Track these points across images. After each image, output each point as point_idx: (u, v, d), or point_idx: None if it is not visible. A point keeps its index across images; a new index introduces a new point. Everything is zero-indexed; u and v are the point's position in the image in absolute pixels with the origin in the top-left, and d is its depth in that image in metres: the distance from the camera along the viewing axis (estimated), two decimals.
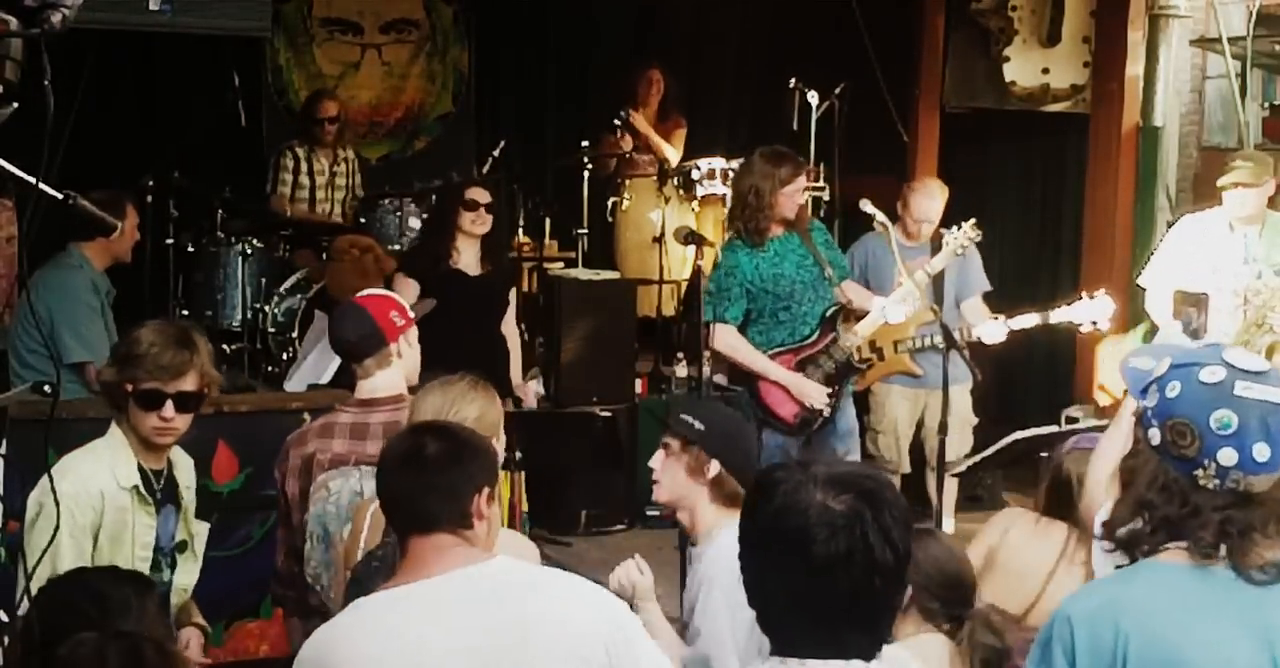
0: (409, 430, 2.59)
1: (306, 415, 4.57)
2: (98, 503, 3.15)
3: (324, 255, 6.88)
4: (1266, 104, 6.95)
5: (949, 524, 5.89)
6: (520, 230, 7.86)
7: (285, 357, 6.65)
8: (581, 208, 7.57)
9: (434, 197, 7.02)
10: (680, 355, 6.98)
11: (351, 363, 3.70)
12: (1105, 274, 6.66)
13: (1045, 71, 7.30)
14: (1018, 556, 3.60)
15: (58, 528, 2.70)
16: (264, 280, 6.91)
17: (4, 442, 2.81)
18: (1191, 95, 7.42)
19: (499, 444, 3.04)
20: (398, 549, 2.70)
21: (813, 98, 7.36)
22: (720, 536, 3.15)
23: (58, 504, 2.78)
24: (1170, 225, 6.45)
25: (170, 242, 6.96)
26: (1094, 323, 5.55)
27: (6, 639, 2.34)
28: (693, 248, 6.89)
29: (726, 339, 5.49)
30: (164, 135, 7.79)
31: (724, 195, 7.11)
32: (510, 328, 6.01)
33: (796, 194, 5.43)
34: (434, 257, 5.72)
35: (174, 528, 3.41)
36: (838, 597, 1.81)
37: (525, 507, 4.89)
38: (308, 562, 3.42)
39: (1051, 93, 7.36)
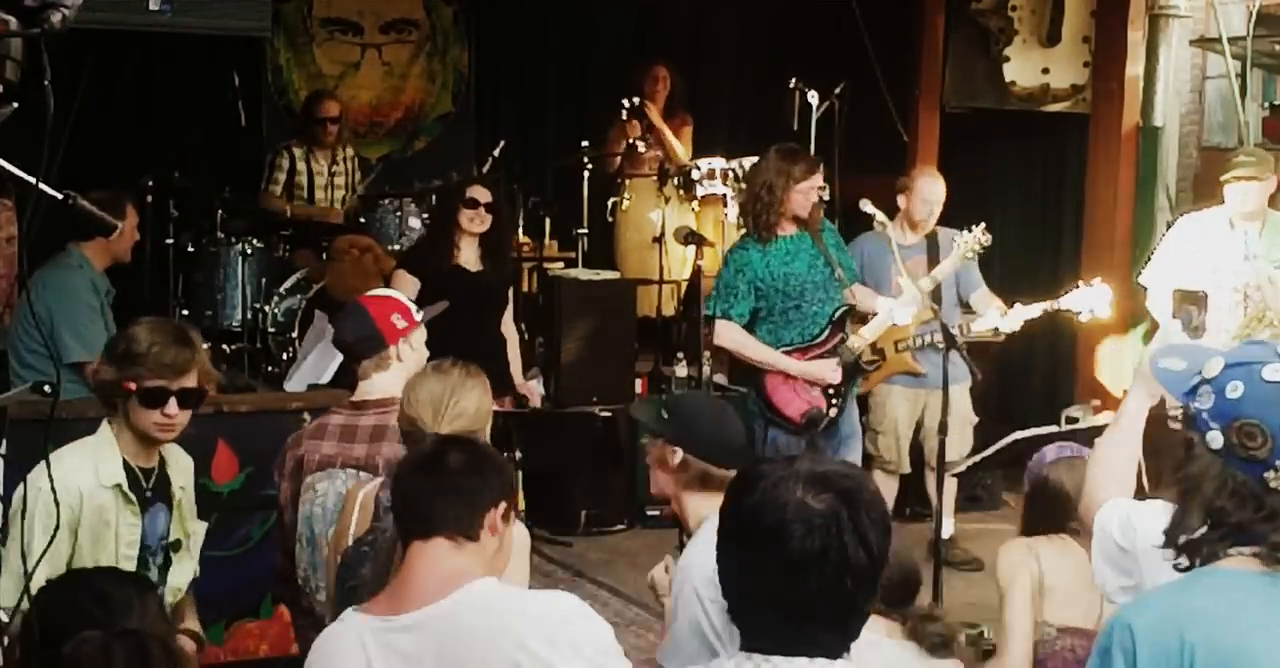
0: (433, 441, 2.59)
1: (306, 416, 4.57)
2: (75, 501, 3.13)
3: (324, 255, 6.89)
4: (1266, 104, 6.95)
5: (949, 524, 5.90)
6: (520, 230, 7.86)
7: (285, 357, 6.65)
8: (581, 208, 7.58)
9: (434, 196, 7.02)
10: (680, 355, 6.99)
11: (351, 363, 3.70)
12: (1105, 273, 6.63)
13: (1045, 71, 7.30)
14: (1062, 576, 3.61)
15: (58, 526, 2.69)
16: (264, 280, 6.92)
17: (4, 442, 2.81)
18: (1191, 95, 7.42)
19: (486, 435, 3.05)
20: (386, 535, 2.71)
21: (813, 98, 7.36)
22: (705, 527, 3.14)
23: (55, 501, 2.75)
24: (1170, 225, 6.45)
25: (170, 242, 6.98)
26: (1092, 310, 5.56)
27: (6, 640, 2.34)
28: (693, 248, 6.91)
29: (731, 335, 5.49)
30: (164, 135, 7.79)
31: (724, 195, 7.12)
32: (509, 327, 6.01)
33: (810, 192, 5.43)
34: (435, 253, 5.73)
35: (165, 527, 3.39)
36: (808, 595, 1.80)
37: (523, 506, 4.89)
38: (298, 564, 3.42)
39: (1051, 93, 7.36)
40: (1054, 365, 7.61)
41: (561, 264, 7.89)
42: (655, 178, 7.44)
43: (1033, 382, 7.84)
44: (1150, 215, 7.02)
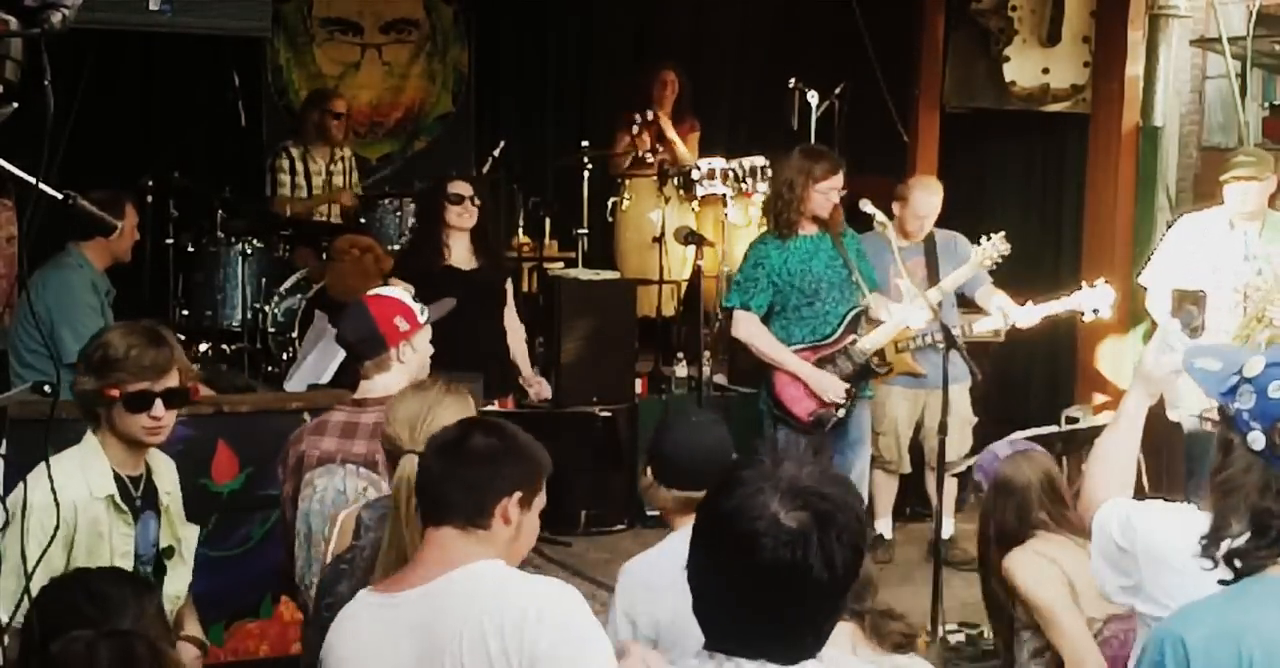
0: (462, 422, 2.56)
1: (306, 415, 4.57)
2: (70, 515, 3.06)
3: (324, 255, 6.89)
4: (1266, 104, 6.95)
5: (949, 524, 5.90)
6: (520, 230, 7.86)
7: (285, 357, 6.65)
8: (581, 208, 7.58)
9: (415, 200, 6.96)
10: (680, 355, 6.99)
11: (353, 362, 3.70)
12: (1105, 274, 6.63)
13: (1045, 71, 7.30)
14: (1082, 573, 3.61)
15: (58, 527, 2.67)
16: (264, 280, 6.92)
17: (4, 442, 2.80)
18: (1191, 95, 7.42)
19: None
20: (365, 554, 2.73)
21: (813, 98, 7.35)
22: (666, 542, 3.14)
23: (55, 501, 2.71)
24: (1170, 225, 6.45)
25: (170, 242, 6.98)
26: (1095, 311, 5.56)
27: (6, 639, 2.34)
28: (693, 248, 6.91)
29: (748, 327, 5.50)
30: (164, 135, 7.79)
31: (724, 195, 7.11)
32: (513, 320, 5.99)
33: (830, 192, 5.44)
34: (426, 256, 5.70)
35: (155, 534, 3.35)
36: (770, 605, 1.79)
37: None
38: (296, 561, 3.42)
39: (1051, 93, 7.36)
40: (1054, 365, 7.61)
41: (561, 264, 7.89)
42: (655, 178, 7.44)
43: (1033, 382, 7.84)
44: (1150, 215, 7.02)
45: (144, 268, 6.70)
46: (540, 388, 6.08)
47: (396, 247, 7.02)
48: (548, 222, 8.05)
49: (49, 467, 2.87)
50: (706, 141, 8.16)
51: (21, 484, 2.93)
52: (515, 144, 8.24)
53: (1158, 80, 6.95)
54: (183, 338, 6.97)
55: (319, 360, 5.58)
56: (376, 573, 2.74)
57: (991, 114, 7.70)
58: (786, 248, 5.45)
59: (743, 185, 7.18)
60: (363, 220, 7.34)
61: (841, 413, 5.49)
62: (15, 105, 2.04)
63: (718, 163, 7.27)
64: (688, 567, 1.88)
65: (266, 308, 6.79)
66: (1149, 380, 2.85)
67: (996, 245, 5.52)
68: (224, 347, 6.94)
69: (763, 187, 7.25)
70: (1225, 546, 2.02)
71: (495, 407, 5.53)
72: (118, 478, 3.24)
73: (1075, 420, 6.67)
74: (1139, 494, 2.79)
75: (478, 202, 5.77)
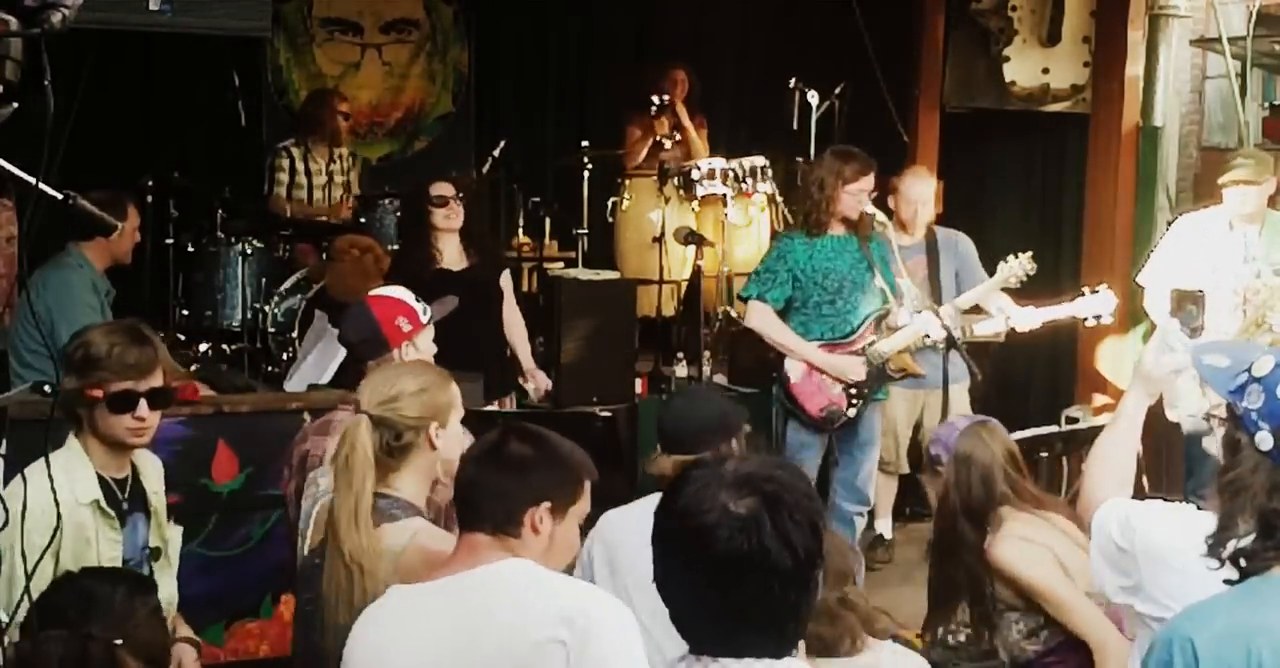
0: (504, 428, 2.53)
1: (306, 415, 4.57)
2: (52, 522, 2.88)
3: (324, 255, 6.89)
4: (1266, 104, 6.95)
5: None
6: (520, 230, 7.86)
7: (285, 357, 6.65)
8: (581, 208, 7.57)
9: (399, 206, 6.90)
10: (680, 355, 6.98)
11: (356, 363, 3.70)
12: (1105, 274, 6.65)
13: (1045, 71, 7.30)
14: (1066, 550, 3.61)
15: (58, 528, 2.65)
16: (264, 280, 6.92)
17: (4, 442, 2.77)
18: (1191, 95, 7.42)
19: (445, 432, 2.98)
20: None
21: (813, 98, 7.35)
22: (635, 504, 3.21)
23: (55, 501, 2.68)
24: (1170, 225, 6.45)
25: (170, 242, 6.98)
26: (1097, 317, 5.55)
27: (6, 639, 2.34)
28: (693, 248, 6.91)
29: (763, 317, 5.50)
30: (164, 135, 7.79)
31: (724, 195, 7.11)
32: (512, 314, 5.97)
33: (861, 194, 5.42)
34: (416, 261, 5.63)
35: (145, 536, 3.29)
36: (739, 599, 1.79)
37: None
38: (298, 559, 3.42)
39: (1051, 93, 7.36)
40: (1054, 366, 7.61)
41: (561, 264, 7.88)
42: (655, 178, 7.44)
43: (1033, 382, 7.84)
44: (1150, 215, 7.02)
45: (144, 268, 6.70)
46: (538, 380, 6.05)
47: (396, 247, 7.01)
48: (548, 222, 8.05)
49: (49, 466, 2.86)
50: (708, 141, 8.16)
51: (20, 480, 2.89)
52: (515, 144, 8.23)
53: (1158, 80, 6.95)
54: (183, 338, 7.00)
55: (319, 360, 5.58)
56: (312, 531, 2.82)
57: (991, 114, 7.70)
58: (813, 245, 5.45)
59: (743, 185, 7.17)
60: (363, 220, 7.33)
61: (852, 413, 5.48)
62: (15, 105, 2.04)
63: (718, 163, 7.27)
64: (655, 577, 1.88)
65: (266, 308, 6.79)
66: (1148, 380, 2.85)
67: (1023, 264, 5.49)
68: (224, 347, 6.94)
69: (763, 186, 7.26)
70: (1231, 546, 2.01)
71: (495, 407, 5.53)
72: (103, 482, 3.17)
73: (1075, 420, 6.68)
74: (1139, 494, 2.80)
75: (462, 199, 5.75)
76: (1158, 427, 5.90)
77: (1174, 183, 7.18)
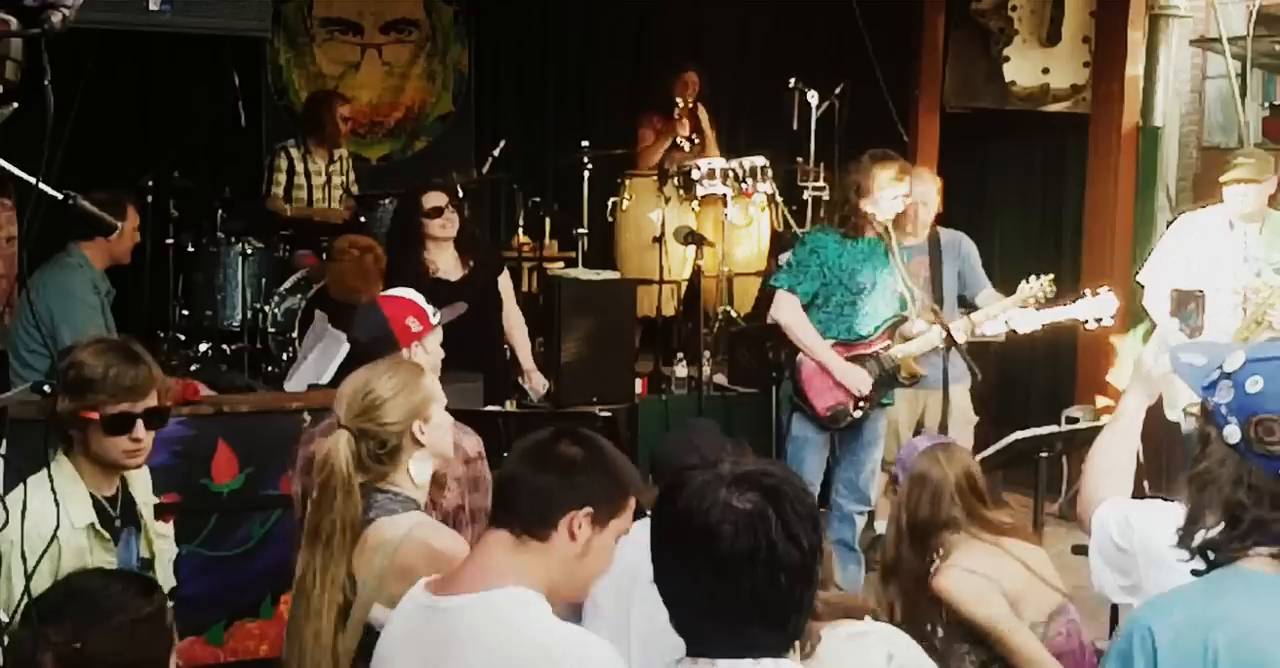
0: (556, 428, 2.43)
1: (306, 415, 4.57)
2: (53, 551, 2.77)
3: (324, 255, 6.89)
4: (1266, 104, 6.96)
5: None
6: (520, 230, 7.86)
7: (285, 357, 6.65)
8: (581, 208, 7.58)
9: (391, 215, 6.86)
10: (680, 355, 6.98)
11: (363, 362, 3.69)
12: (1105, 273, 6.66)
13: (1045, 71, 7.31)
14: (1015, 581, 3.61)
15: (57, 529, 2.63)
16: (264, 280, 6.92)
17: (4, 442, 2.75)
18: (1191, 95, 7.42)
19: (429, 426, 2.98)
20: None
21: (813, 98, 7.36)
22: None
23: (55, 501, 2.65)
24: (1170, 225, 6.45)
25: (170, 242, 6.98)
26: (1098, 320, 5.54)
27: (6, 639, 2.33)
28: (693, 248, 6.91)
29: (789, 310, 5.47)
30: (164, 135, 7.78)
31: (724, 195, 7.11)
32: (513, 314, 5.96)
33: (897, 199, 5.41)
34: (411, 272, 5.51)
35: (137, 550, 3.22)
36: (744, 596, 1.80)
37: None
38: None
39: (1051, 93, 7.37)
40: (1054, 365, 7.62)
41: (561, 264, 7.88)
42: (655, 178, 7.45)
43: (1033, 382, 7.85)
44: (1150, 215, 7.02)
45: (144, 268, 6.70)
46: (534, 380, 6.04)
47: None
48: (548, 222, 8.05)
49: (49, 467, 2.86)
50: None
51: (21, 487, 2.87)
52: (515, 144, 8.24)
53: (1158, 80, 6.95)
54: (183, 338, 7.00)
55: (319, 360, 5.58)
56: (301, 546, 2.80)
57: (991, 114, 7.71)
58: (844, 244, 5.44)
59: (743, 185, 7.17)
60: (363, 220, 7.34)
61: (858, 414, 5.48)
62: (15, 105, 2.04)
63: (718, 163, 7.27)
64: (656, 580, 1.88)
65: (266, 308, 6.79)
66: (1148, 380, 2.85)
67: (1043, 286, 5.47)
68: (224, 347, 6.94)
69: (763, 186, 7.26)
70: (1200, 537, 2.03)
71: (495, 407, 5.53)
72: (95, 502, 3.08)
73: (1075, 421, 6.68)
74: (1139, 494, 2.79)
75: (455, 206, 5.72)
76: (1158, 427, 5.91)
77: (1174, 183, 7.19)
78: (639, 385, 6.74)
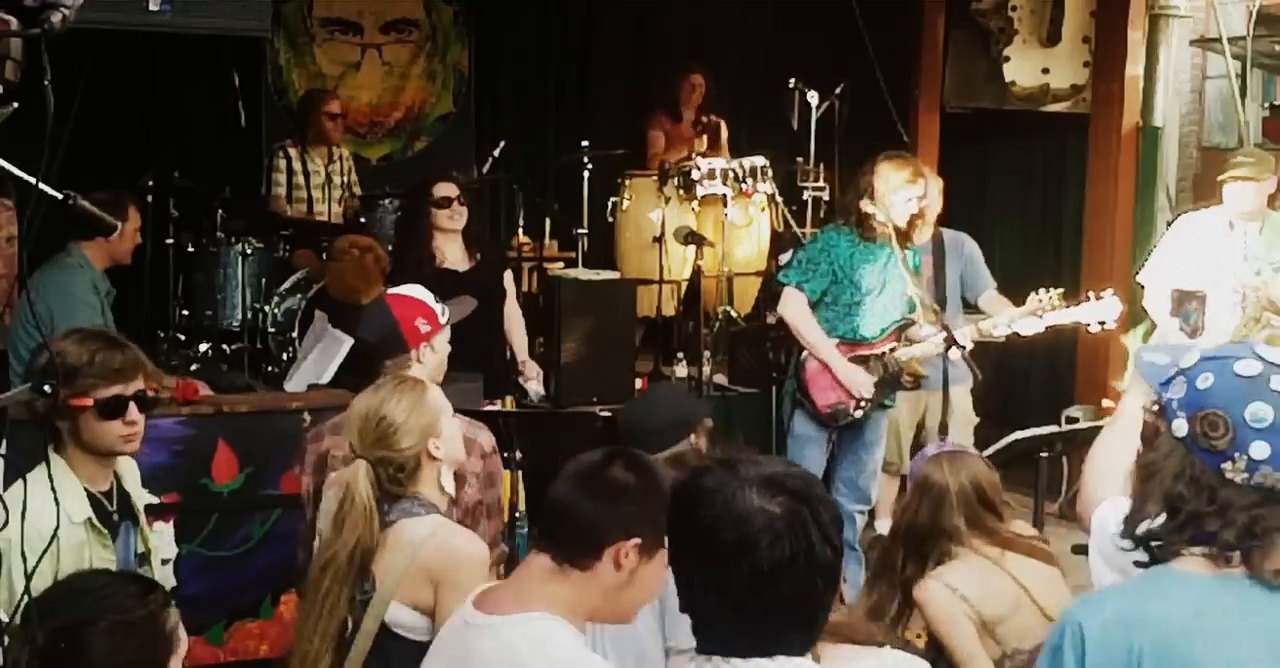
0: (609, 451, 2.37)
1: (306, 415, 4.57)
2: (52, 547, 2.74)
3: (324, 255, 6.88)
4: (1266, 104, 6.96)
5: None
6: (520, 230, 7.86)
7: (285, 357, 6.65)
8: (581, 208, 7.58)
9: (400, 206, 6.89)
10: (680, 355, 6.99)
11: (372, 362, 3.69)
12: (1105, 274, 6.66)
13: (1045, 71, 7.31)
14: (1000, 605, 3.59)
15: (57, 529, 2.63)
16: (264, 280, 6.92)
17: (4, 442, 2.73)
18: (1191, 95, 7.43)
19: (441, 440, 3.01)
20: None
21: (813, 98, 7.36)
22: None
23: (55, 501, 2.62)
24: (1170, 225, 6.45)
25: (170, 242, 6.98)
26: (1101, 323, 5.54)
27: (6, 639, 2.33)
28: (693, 248, 6.91)
29: (795, 307, 5.45)
30: (164, 135, 7.79)
31: (724, 195, 7.11)
32: (513, 312, 5.97)
33: (911, 201, 5.39)
34: (419, 262, 5.58)
35: (134, 544, 3.21)
36: (778, 600, 1.79)
37: (524, 507, 4.88)
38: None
39: (1051, 93, 7.37)
40: (1054, 365, 7.62)
41: (561, 264, 7.89)
42: (655, 178, 7.45)
43: (1033, 382, 7.85)
44: (1150, 215, 7.02)
45: (144, 268, 6.70)
46: (529, 370, 6.03)
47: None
48: (548, 222, 8.05)
49: (49, 466, 2.86)
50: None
51: (20, 484, 2.86)
52: (515, 144, 8.24)
53: (1158, 80, 6.95)
54: (183, 338, 7.00)
55: (319, 360, 5.57)
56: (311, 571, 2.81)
57: (991, 114, 7.71)
58: (856, 244, 5.43)
59: (743, 185, 7.17)
60: (363, 220, 7.33)
61: (858, 414, 5.47)
62: (15, 105, 2.04)
63: (718, 163, 7.27)
64: (680, 590, 1.86)
65: (266, 308, 6.79)
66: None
67: (1053, 299, 5.47)
68: (224, 347, 6.94)
69: (763, 186, 7.26)
70: (1144, 528, 2.06)
71: (495, 407, 5.53)
72: (92, 498, 3.05)
73: (1075, 421, 6.68)
74: None
75: (465, 201, 5.74)
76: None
77: (1174, 183, 7.19)
78: (639, 385, 6.74)
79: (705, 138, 7.93)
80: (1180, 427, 2.03)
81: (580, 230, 7.57)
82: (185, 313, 6.98)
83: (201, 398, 4.71)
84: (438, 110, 9.06)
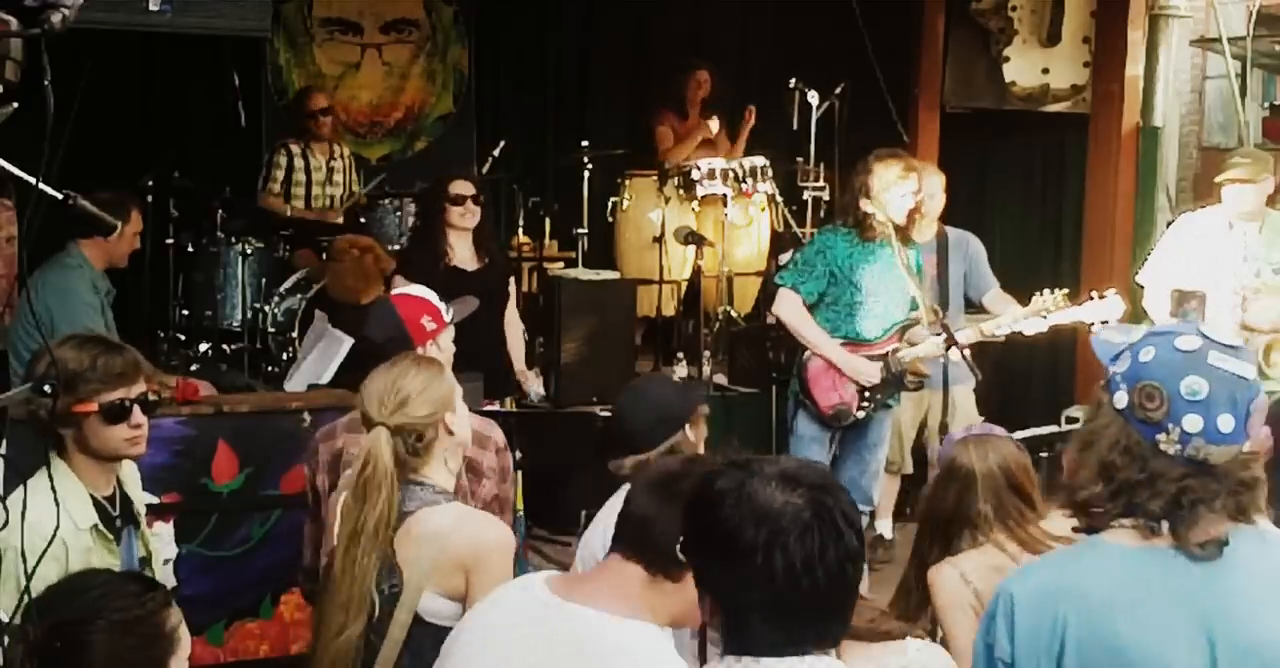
0: (686, 459, 2.37)
1: (306, 415, 4.58)
2: (60, 553, 2.78)
3: (324, 255, 6.89)
4: (1266, 104, 6.97)
5: None
6: (520, 230, 7.86)
7: (285, 357, 6.65)
8: (581, 208, 7.58)
9: (415, 201, 6.95)
10: (680, 355, 6.99)
11: (378, 362, 3.69)
12: (1105, 274, 6.66)
13: (1045, 71, 7.31)
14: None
15: (57, 529, 2.62)
16: (264, 280, 6.92)
17: (4, 442, 2.73)
18: (1191, 95, 7.43)
19: (454, 418, 3.02)
20: None
21: (813, 98, 7.36)
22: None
23: (56, 501, 2.62)
24: (1170, 225, 6.45)
25: (170, 242, 6.98)
26: (1104, 323, 5.52)
27: (6, 639, 2.33)
28: (693, 248, 6.91)
29: (791, 307, 5.44)
30: (164, 135, 7.79)
31: (724, 195, 7.11)
32: (513, 317, 5.98)
33: (906, 197, 5.39)
34: (430, 256, 5.67)
35: (136, 548, 3.19)
36: (814, 593, 1.78)
37: (522, 507, 4.89)
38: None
39: (1051, 93, 7.37)
40: (1055, 365, 7.61)
41: (561, 264, 7.89)
42: (655, 178, 7.45)
43: (1033, 382, 7.84)
44: (1150, 215, 7.02)
45: (144, 268, 6.70)
46: (528, 380, 6.04)
47: (396, 247, 7.02)
48: (548, 222, 8.06)
49: (49, 468, 2.85)
50: (707, 141, 8.17)
51: (20, 489, 2.85)
52: (515, 144, 8.24)
53: (1158, 80, 6.95)
54: (183, 338, 7.00)
55: (319, 360, 5.58)
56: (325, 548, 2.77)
57: (991, 114, 7.70)
58: (854, 244, 5.42)
59: (743, 185, 7.17)
60: (363, 220, 7.34)
61: (860, 414, 5.47)
62: (15, 105, 2.04)
63: (718, 163, 7.28)
64: (704, 591, 1.86)
65: (266, 308, 6.79)
66: None
67: (1057, 300, 5.46)
68: (224, 347, 6.94)
69: (763, 186, 7.26)
70: (1082, 495, 2.11)
71: (496, 407, 5.53)
72: (95, 503, 3.04)
73: (1075, 420, 6.67)
74: None
75: (480, 200, 5.77)
76: None
77: (1174, 183, 7.19)
78: None
79: (725, 136, 7.93)
80: (1121, 398, 2.07)
81: (580, 230, 7.57)
82: (185, 313, 6.98)
83: (202, 398, 4.71)
84: (438, 110, 9.06)
